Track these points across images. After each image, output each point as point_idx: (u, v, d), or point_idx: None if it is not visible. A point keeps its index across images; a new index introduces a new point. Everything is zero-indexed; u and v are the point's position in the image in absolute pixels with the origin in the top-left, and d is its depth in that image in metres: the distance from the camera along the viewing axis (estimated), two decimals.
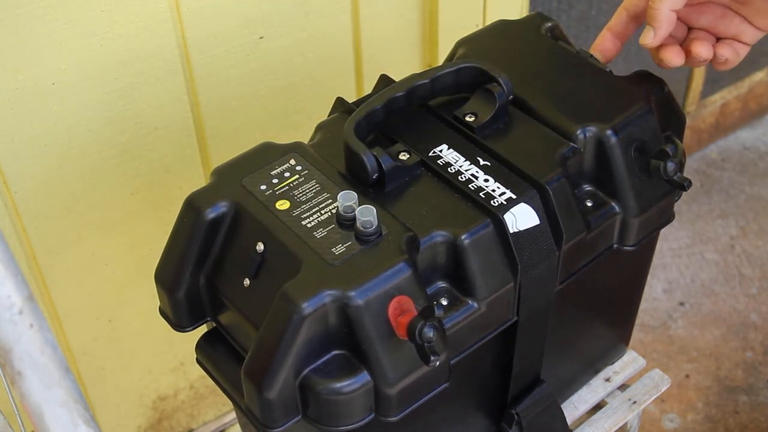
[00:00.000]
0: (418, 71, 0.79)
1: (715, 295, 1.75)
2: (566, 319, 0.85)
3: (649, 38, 0.78)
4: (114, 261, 1.05)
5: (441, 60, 1.13)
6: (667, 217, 0.85)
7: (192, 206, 0.72)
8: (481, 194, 0.73)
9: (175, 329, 0.77)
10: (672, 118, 0.84)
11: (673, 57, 0.80)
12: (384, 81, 0.84)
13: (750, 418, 1.54)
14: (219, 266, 0.73)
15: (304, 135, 0.82)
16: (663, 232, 0.87)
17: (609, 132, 0.77)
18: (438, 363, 0.63)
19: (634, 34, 0.85)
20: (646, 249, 0.91)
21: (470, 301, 0.72)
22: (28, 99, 0.89)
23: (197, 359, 0.78)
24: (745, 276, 1.77)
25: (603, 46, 0.86)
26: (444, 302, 0.71)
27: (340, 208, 0.69)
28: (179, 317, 0.76)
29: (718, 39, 0.82)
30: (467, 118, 0.79)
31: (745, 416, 1.56)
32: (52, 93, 0.90)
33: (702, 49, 0.80)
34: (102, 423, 1.18)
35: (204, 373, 0.79)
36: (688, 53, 0.81)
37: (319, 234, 0.68)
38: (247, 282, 0.70)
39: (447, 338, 0.68)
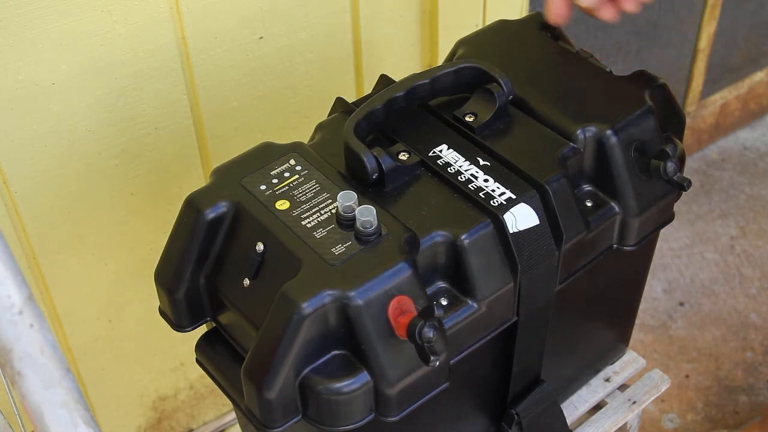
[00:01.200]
0: (418, 71, 0.79)
1: (715, 295, 1.75)
2: (566, 319, 0.85)
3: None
4: (114, 261, 1.05)
5: (441, 60, 1.13)
6: (667, 217, 0.85)
7: (192, 206, 0.72)
8: (480, 194, 0.73)
9: (175, 329, 0.77)
10: (672, 118, 0.84)
11: (609, 14, 0.84)
12: (384, 81, 0.84)
13: (750, 418, 1.54)
14: (219, 266, 0.73)
15: (304, 135, 0.82)
16: (663, 232, 0.87)
17: (609, 132, 0.77)
18: (438, 363, 0.63)
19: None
20: (646, 249, 0.91)
21: (470, 301, 0.72)
22: (28, 99, 0.89)
23: (197, 359, 0.78)
24: (745, 276, 1.77)
25: (557, 9, 0.86)
26: (444, 302, 0.71)
27: (340, 208, 0.69)
28: (179, 317, 0.76)
29: None
30: (467, 118, 0.79)
31: (745, 416, 1.56)
32: (52, 93, 0.90)
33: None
34: (102, 423, 1.18)
35: (204, 373, 0.79)
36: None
37: (319, 234, 0.68)
38: (247, 282, 0.70)
39: (447, 338, 0.68)
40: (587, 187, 0.79)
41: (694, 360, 1.65)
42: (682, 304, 1.74)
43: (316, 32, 1.06)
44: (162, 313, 0.78)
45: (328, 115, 0.83)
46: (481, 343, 0.75)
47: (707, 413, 1.57)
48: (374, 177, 0.72)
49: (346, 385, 0.66)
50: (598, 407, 1.02)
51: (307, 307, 0.63)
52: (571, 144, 0.77)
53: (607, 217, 0.79)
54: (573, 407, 0.99)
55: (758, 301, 1.72)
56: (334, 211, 0.70)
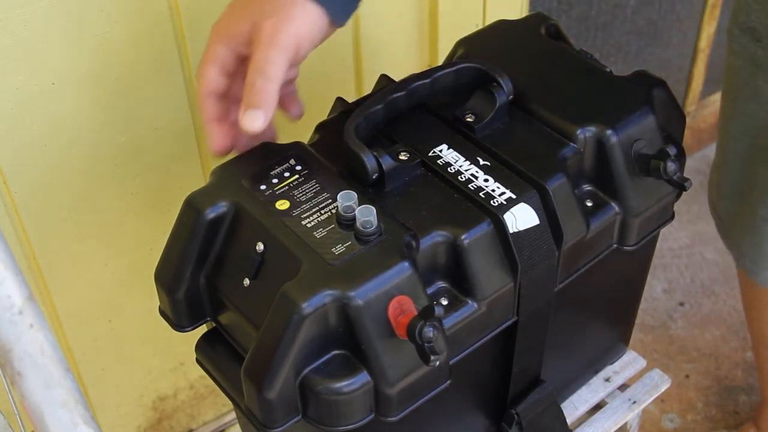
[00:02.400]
0: (418, 71, 0.79)
1: (715, 295, 1.75)
2: (566, 319, 0.85)
3: (259, 122, 0.70)
4: (114, 261, 1.05)
5: (441, 60, 1.13)
6: (667, 217, 0.85)
7: (192, 206, 0.72)
8: (481, 194, 0.73)
9: (175, 329, 0.77)
10: (672, 118, 0.84)
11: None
12: (384, 81, 0.84)
13: (750, 418, 1.54)
14: (219, 266, 0.73)
15: (304, 134, 0.82)
16: (663, 232, 0.87)
17: (609, 132, 0.77)
18: (438, 363, 0.63)
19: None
20: (646, 249, 0.91)
21: (470, 301, 0.72)
22: (28, 99, 0.89)
23: (197, 359, 0.78)
24: None
25: (219, 142, 0.75)
26: (444, 302, 0.71)
27: (340, 208, 0.69)
28: (179, 317, 0.76)
29: None
30: (467, 118, 0.79)
31: (745, 416, 1.56)
32: (52, 93, 0.90)
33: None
34: (102, 423, 1.18)
35: (204, 373, 0.79)
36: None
37: (319, 234, 0.68)
38: (247, 282, 0.70)
39: (447, 338, 0.68)
40: (587, 187, 0.79)
41: (694, 360, 1.65)
42: (682, 304, 1.74)
43: None
44: (162, 313, 0.78)
45: (328, 115, 0.83)
46: (481, 343, 0.75)
47: (707, 413, 1.57)
48: (374, 177, 0.72)
49: (346, 385, 0.66)
50: (598, 407, 1.02)
51: (307, 307, 0.63)
52: (571, 144, 0.77)
53: (607, 217, 0.79)
54: (573, 407, 0.99)
55: None
56: (334, 211, 0.70)
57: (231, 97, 0.77)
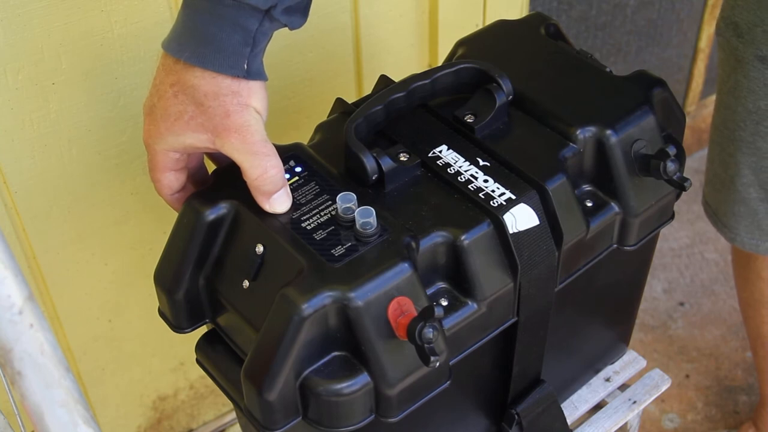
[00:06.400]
0: (418, 71, 0.79)
1: (715, 295, 1.75)
2: (566, 319, 0.85)
3: (288, 200, 0.71)
4: (114, 261, 1.05)
5: (441, 60, 1.13)
6: (667, 217, 0.85)
7: (192, 207, 0.72)
8: (480, 195, 0.73)
9: (174, 330, 0.77)
10: (672, 118, 0.84)
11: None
12: (384, 81, 0.84)
13: (750, 418, 1.54)
14: (218, 267, 0.73)
15: (304, 135, 0.82)
16: (663, 232, 0.87)
17: (609, 132, 0.77)
18: (438, 364, 0.63)
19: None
20: (646, 249, 0.91)
21: (470, 302, 0.72)
22: (28, 99, 0.89)
23: (197, 359, 0.78)
24: None
25: None
26: (444, 303, 0.71)
27: (340, 210, 0.69)
28: (178, 318, 0.76)
29: None
30: (467, 119, 0.79)
31: (745, 416, 1.56)
32: (52, 93, 0.90)
33: None
34: (102, 423, 1.18)
35: (204, 373, 0.79)
36: None
37: (319, 235, 0.68)
38: (246, 283, 0.70)
39: (447, 339, 0.68)
40: (587, 187, 0.79)
41: (694, 360, 1.65)
42: (682, 304, 1.74)
43: (316, 32, 1.06)
44: (161, 314, 0.77)
45: (328, 116, 0.83)
46: (481, 344, 0.75)
47: (707, 413, 1.57)
48: (374, 178, 0.72)
49: (346, 386, 0.66)
50: (598, 407, 1.02)
51: (307, 308, 0.63)
52: (571, 144, 0.77)
53: (607, 217, 0.79)
54: (573, 407, 0.99)
55: None
56: (333, 212, 0.70)
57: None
